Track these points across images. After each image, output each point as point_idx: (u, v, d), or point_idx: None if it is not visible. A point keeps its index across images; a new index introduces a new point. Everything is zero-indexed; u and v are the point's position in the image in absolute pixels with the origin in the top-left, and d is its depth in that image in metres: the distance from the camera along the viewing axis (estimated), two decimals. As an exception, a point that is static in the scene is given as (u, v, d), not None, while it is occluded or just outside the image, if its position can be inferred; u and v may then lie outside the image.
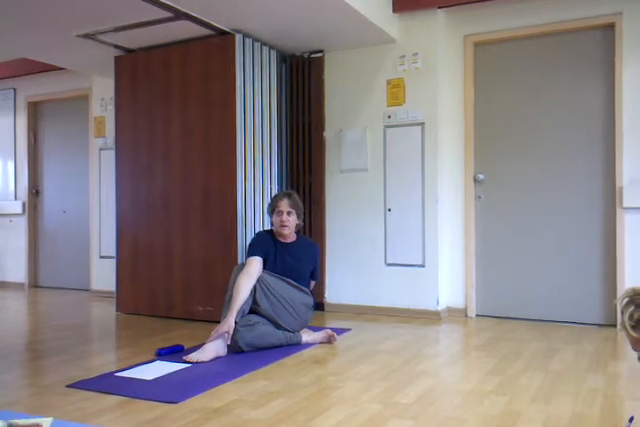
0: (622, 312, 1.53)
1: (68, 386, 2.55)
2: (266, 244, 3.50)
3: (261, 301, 3.27)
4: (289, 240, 3.58)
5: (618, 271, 3.83)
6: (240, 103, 4.07)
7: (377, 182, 4.43)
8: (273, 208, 3.56)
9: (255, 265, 3.34)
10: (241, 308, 3.19)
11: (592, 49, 3.96)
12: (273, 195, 3.95)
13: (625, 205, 3.80)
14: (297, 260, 3.53)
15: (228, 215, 4.06)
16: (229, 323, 3.11)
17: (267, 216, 4.08)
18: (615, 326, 3.83)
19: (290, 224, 3.53)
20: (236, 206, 4.03)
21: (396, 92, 4.36)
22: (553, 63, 4.07)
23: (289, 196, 3.57)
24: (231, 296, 3.22)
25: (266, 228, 4.21)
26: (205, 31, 4.09)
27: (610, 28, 3.88)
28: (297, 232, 3.68)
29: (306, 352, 3.21)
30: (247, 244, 3.83)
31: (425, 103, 4.26)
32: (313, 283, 3.72)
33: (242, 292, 3.20)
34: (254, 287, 3.26)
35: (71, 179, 6.11)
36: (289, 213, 3.52)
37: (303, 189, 4.64)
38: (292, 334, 3.36)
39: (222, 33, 4.11)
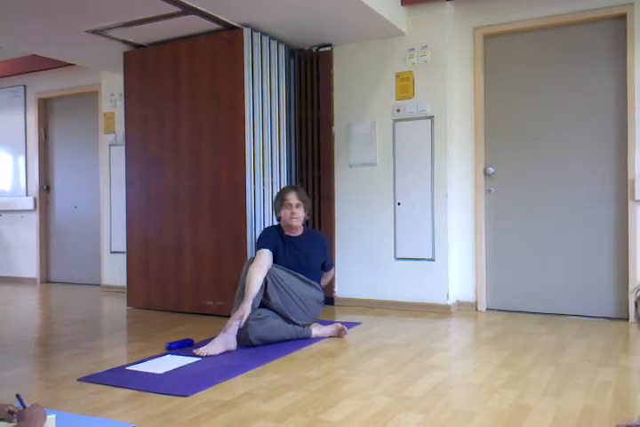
0: (637, 304, 1.53)
1: (80, 380, 2.57)
2: (274, 238, 3.52)
3: (272, 295, 3.28)
4: (297, 234, 3.59)
5: (630, 264, 3.80)
6: (249, 98, 4.07)
7: (386, 176, 4.42)
8: (281, 202, 3.58)
9: (265, 257, 3.35)
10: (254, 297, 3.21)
11: (603, 40, 3.92)
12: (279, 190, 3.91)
13: (637, 197, 3.76)
14: (306, 253, 3.55)
15: (237, 210, 4.07)
16: (245, 308, 3.13)
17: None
18: (627, 319, 3.81)
19: (299, 216, 3.56)
20: (246, 201, 4.04)
21: (405, 85, 4.34)
22: (564, 55, 4.03)
23: (296, 189, 3.63)
24: (243, 288, 3.24)
25: (275, 222, 4.21)
26: (214, 26, 4.09)
27: (621, 18, 3.83)
28: (303, 225, 3.69)
29: (316, 346, 3.22)
30: (256, 238, 3.84)
31: (434, 96, 4.23)
32: (329, 276, 3.71)
33: (254, 282, 3.22)
34: (265, 281, 3.28)
35: (82, 175, 6.14)
36: (297, 206, 3.56)
37: (312, 184, 4.63)
38: (302, 327, 3.37)
39: (231, 27, 4.10)
